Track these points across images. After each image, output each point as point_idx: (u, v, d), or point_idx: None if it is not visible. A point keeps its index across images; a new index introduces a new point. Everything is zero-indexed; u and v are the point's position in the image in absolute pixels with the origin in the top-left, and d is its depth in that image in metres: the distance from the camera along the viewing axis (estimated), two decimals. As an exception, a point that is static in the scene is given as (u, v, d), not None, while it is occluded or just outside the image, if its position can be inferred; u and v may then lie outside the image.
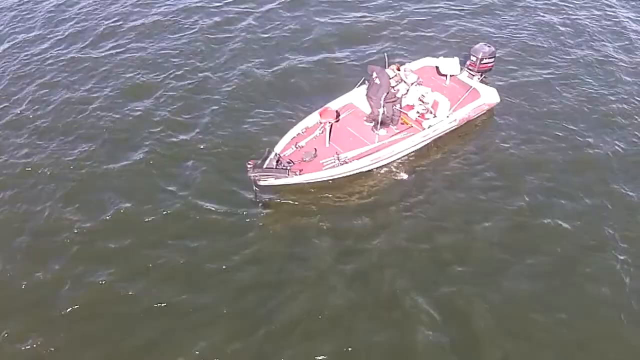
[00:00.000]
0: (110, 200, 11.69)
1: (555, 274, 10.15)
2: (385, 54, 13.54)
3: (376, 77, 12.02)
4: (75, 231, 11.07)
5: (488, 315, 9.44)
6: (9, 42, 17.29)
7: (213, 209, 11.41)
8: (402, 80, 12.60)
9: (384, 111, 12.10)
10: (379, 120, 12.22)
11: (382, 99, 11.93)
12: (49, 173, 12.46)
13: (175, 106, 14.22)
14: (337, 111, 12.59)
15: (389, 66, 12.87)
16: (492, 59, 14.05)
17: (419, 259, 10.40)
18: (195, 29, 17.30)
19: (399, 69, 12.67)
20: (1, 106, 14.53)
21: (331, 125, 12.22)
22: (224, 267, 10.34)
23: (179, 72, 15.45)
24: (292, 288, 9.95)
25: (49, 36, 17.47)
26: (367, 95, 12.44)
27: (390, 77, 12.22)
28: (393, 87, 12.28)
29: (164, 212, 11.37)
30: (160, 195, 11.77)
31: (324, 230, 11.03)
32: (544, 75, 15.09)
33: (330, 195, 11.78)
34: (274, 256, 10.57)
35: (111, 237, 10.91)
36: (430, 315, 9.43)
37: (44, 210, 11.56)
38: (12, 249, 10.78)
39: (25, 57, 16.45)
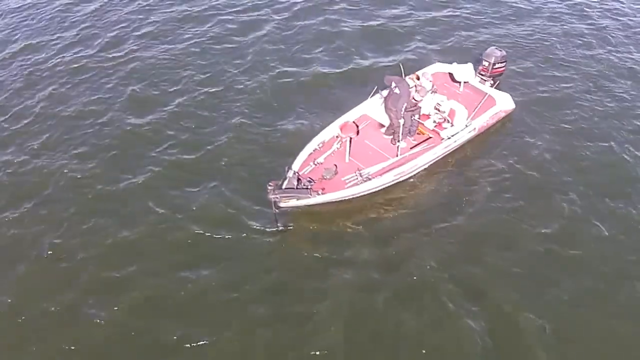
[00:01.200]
0: (112, 223, 10.97)
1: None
2: (401, 64, 13.04)
3: (395, 87, 11.51)
4: (79, 258, 10.37)
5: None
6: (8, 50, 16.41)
7: (227, 232, 10.78)
8: (420, 89, 12.09)
9: (403, 122, 11.60)
10: (400, 132, 11.72)
11: (403, 109, 11.42)
12: (45, 193, 11.70)
13: (187, 119, 13.52)
14: (356, 124, 12.02)
15: (405, 76, 12.36)
16: (504, 63, 13.72)
17: (450, 290, 9.77)
18: (208, 37, 16.60)
19: (418, 78, 12.17)
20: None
21: (350, 140, 11.66)
22: (238, 296, 9.69)
23: (192, 82, 14.74)
24: (316, 322, 9.30)
25: (52, 42, 16.64)
26: (385, 106, 11.92)
27: (410, 86, 11.70)
28: (413, 97, 11.76)
29: (171, 237, 10.72)
30: (166, 218, 11.09)
31: (348, 254, 10.47)
32: (564, 85, 14.70)
33: (352, 213, 11.22)
34: (295, 284, 9.96)
35: (115, 264, 10.23)
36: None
37: (43, 236, 10.78)
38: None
39: (28, 65, 15.67)
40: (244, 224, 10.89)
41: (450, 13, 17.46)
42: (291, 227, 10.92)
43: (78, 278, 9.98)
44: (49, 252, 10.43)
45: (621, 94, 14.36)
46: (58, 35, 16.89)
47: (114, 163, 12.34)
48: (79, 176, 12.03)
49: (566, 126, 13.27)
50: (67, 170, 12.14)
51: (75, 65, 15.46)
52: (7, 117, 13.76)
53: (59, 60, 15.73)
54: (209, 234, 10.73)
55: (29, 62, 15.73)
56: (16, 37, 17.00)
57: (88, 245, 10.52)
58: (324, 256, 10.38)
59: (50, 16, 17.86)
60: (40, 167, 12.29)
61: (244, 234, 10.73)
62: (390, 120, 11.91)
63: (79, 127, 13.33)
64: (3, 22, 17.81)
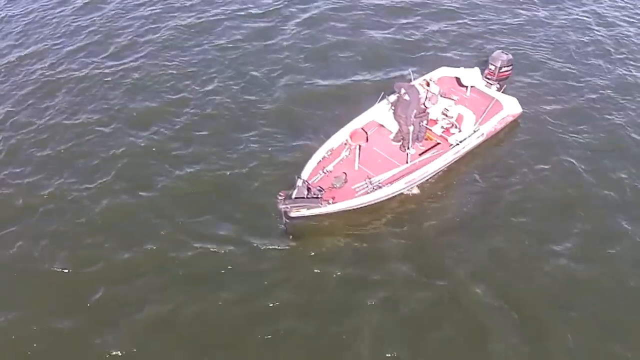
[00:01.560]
0: (116, 241, 10.73)
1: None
2: (411, 70, 12.90)
3: (405, 94, 11.36)
4: (86, 275, 10.16)
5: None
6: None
7: (234, 248, 10.58)
8: (431, 96, 11.96)
9: (413, 129, 11.47)
10: (410, 139, 11.59)
11: (413, 116, 11.29)
12: (48, 208, 11.47)
13: (195, 132, 13.24)
14: (366, 132, 11.86)
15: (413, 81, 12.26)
16: (510, 67, 13.61)
17: (469, 306, 9.63)
18: (216, 46, 16.23)
19: (428, 84, 12.03)
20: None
21: (359, 147, 11.50)
22: (244, 314, 9.47)
23: (201, 93, 14.42)
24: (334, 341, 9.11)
25: (57, 50, 16.31)
26: (395, 113, 11.78)
27: (420, 93, 11.57)
28: (423, 103, 11.64)
29: (177, 254, 10.49)
30: (172, 235, 10.85)
31: (362, 264, 10.35)
32: (573, 93, 14.54)
33: (363, 220, 11.11)
34: (310, 299, 9.78)
35: (119, 283, 10.00)
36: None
37: (43, 255, 10.53)
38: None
39: (32, 73, 15.37)
40: (251, 238, 10.71)
41: (459, 21, 17.28)
42: (300, 240, 10.74)
43: (86, 296, 9.77)
44: (55, 269, 10.24)
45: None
46: (63, 43, 16.61)
47: (119, 179, 12.06)
48: (84, 194, 11.76)
49: (576, 136, 13.12)
50: (71, 186, 11.91)
51: (81, 74, 15.17)
52: (9, 127, 13.53)
53: (64, 68, 15.45)
54: (214, 250, 10.55)
55: (32, 70, 15.47)
56: (19, 43, 16.75)
57: (93, 263, 10.31)
58: (335, 271, 10.20)
59: (55, 23, 17.56)
60: (44, 182, 12.04)
61: (251, 249, 10.55)
62: (400, 126, 11.77)
63: (83, 139, 13.08)
64: (6, 28, 17.55)
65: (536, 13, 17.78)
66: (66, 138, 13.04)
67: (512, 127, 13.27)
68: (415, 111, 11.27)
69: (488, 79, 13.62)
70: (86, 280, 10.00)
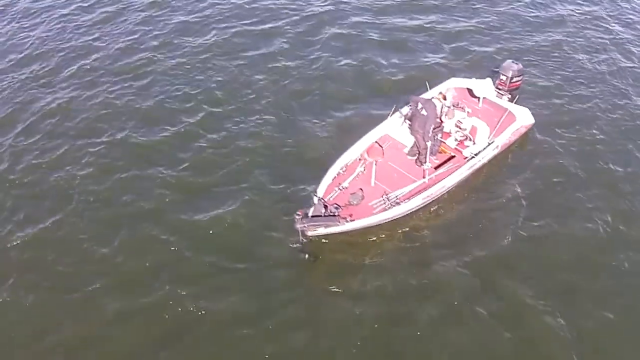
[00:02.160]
0: (122, 250, 10.55)
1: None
2: (427, 82, 12.72)
3: (422, 109, 11.18)
4: (89, 286, 9.92)
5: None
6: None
7: (245, 263, 10.36)
8: (448, 110, 11.80)
9: (431, 144, 11.29)
10: (427, 154, 11.41)
11: (431, 131, 11.12)
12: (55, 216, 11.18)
13: (202, 138, 13.05)
14: (382, 147, 11.65)
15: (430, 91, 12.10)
16: (521, 77, 13.48)
17: (489, 329, 9.41)
18: (223, 49, 16.13)
19: (445, 98, 11.85)
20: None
21: (375, 163, 11.30)
22: (254, 333, 9.25)
23: (208, 99, 14.25)
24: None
25: (62, 50, 16.18)
26: (412, 128, 11.60)
27: (437, 107, 11.40)
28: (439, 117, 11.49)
29: (185, 268, 10.26)
30: (179, 246, 10.63)
31: (381, 280, 10.17)
32: (585, 101, 14.44)
33: (382, 236, 10.95)
34: (318, 319, 9.57)
35: (123, 295, 9.81)
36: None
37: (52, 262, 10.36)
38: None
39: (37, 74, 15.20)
40: (264, 253, 10.50)
41: (467, 27, 17.18)
42: (316, 258, 10.52)
43: (90, 307, 9.59)
44: (60, 279, 10.05)
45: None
46: (68, 43, 16.41)
47: (125, 184, 11.90)
48: (91, 199, 11.60)
49: (587, 146, 13.00)
50: (77, 191, 11.74)
51: (87, 78, 15.00)
52: (14, 130, 13.28)
53: (69, 70, 15.25)
54: (224, 265, 10.32)
55: (38, 72, 15.28)
56: (24, 44, 16.52)
57: (96, 274, 10.10)
58: (348, 288, 10.04)
59: (61, 23, 17.38)
60: (50, 185, 11.86)
61: (263, 265, 10.34)
62: (417, 141, 11.59)
63: (89, 142, 12.90)
64: (12, 27, 17.29)
65: (545, 22, 17.77)
66: (71, 141, 12.97)
67: (525, 138, 13.10)
68: (433, 126, 11.08)
69: (499, 89, 13.47)
70: (88, 289, 9.84)
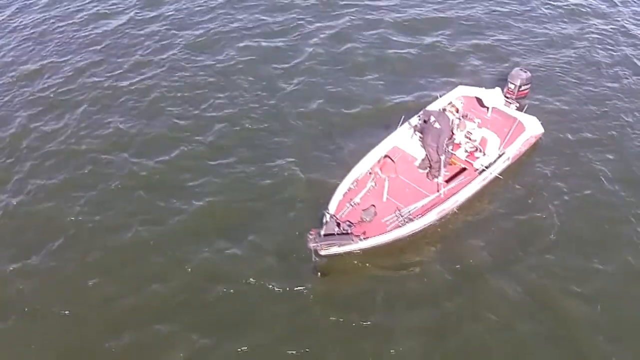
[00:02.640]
0: (124, 282, 10.17)
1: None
2: (439, 95, 12.46)
3: (435, 122, 10.91)
4: (88, 319, 9.61)
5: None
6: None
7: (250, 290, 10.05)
8: (460, 123, 11.57)
9: (445, 158, 11.05)
10: (440, 168, 11.17)
11: (445, 145, 10.88)
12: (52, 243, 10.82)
13: (210, 160, 12.65)
14: (394, 161, 11.37)
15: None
16: (529, 85, 13.27)
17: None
18: (237, 63, 15.64)
19: (457, 111, 11.59)
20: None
21: (388, 179, 11.03)
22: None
23: (215, 118, 13.81)
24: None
25: (66, 65, 15.71)
26: (424, 142, 11.34)
27: (451, 120, 11.16)
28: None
29: (190, 295, 9.95)
30: (183, 273, 10.31)
31: (397, 298, 9.95)
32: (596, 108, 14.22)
33: (392, 252, 10.61)
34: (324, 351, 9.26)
35: (125, 328, 9.45)
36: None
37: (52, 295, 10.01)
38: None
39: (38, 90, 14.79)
40: (269, 281, 10.17)
41: (478, 41, 16.75)
42: (328, 276, 10.29)
43: (90, 341, 9.26)
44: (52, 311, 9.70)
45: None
46: (73, 58, 15.95)
47: (128, 209, 11.51)
48: (90, 225, 11.21)
49: (597, 165, 12.64)
50: (77, 217, 11.36)
51: (93, 93, 14.59)
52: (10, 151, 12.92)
53: (72, 86, 14.83)
54: (231, 291, 10.03)
55: (40, 87, 14.88)
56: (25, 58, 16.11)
57: (97, 308, 9.75)
58: (358, 319, 9.65)
59: (65, 36, 16.91)
60: (47, 211, 11.49)
61: (268, 292, 10.03)
62: (429, 155, 11.33)
63: (89, 166, 12.51)
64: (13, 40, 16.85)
65: (551, 29, 17.49)
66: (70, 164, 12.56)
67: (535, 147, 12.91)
68: (447, 139, 10.85)
69: (507, 97, 13.26)
70: (89, 322, 9.52)
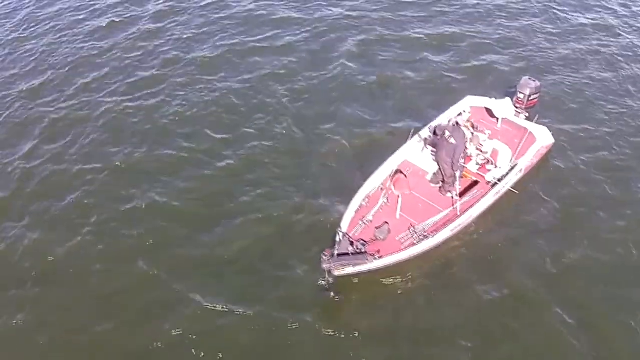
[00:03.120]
0: (119, 326, 9.67)
1: None
2: (464, 110, 12.20)
3: (450, 137, 10.68)
4: None
5: None
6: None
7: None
8: (474, 137, 11.37)
9: (459, 173, 10.83)
10: (455, 183, 10.94)
11: (460, 160, 10.67)
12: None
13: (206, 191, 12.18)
14: (406, 177, 11.11)
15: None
16: (538, 94, 13.04)
17: None
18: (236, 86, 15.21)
19: (473, 126, 11.38)
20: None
21: (401, 195, 10.78)
22: None
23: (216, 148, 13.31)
24: None
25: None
26: (437, 156, 11.10)
27: (467, 136, 10.95)
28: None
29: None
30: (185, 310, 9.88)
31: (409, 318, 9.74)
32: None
33: (406, 271, 10.37)
34: None
35: None
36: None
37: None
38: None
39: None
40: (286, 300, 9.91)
41: (481, 49, 16.60)
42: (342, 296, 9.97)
43: None
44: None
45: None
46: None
47: (127, 247, 11.04)
48: (82, 263, 10.73)
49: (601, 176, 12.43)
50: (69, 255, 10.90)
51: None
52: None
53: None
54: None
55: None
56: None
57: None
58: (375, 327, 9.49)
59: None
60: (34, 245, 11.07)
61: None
62: (443, 170, 11.09)
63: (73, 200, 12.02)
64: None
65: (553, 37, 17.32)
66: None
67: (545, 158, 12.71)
68: (462, 154, 10.62)
69: (516, 107, 13.02)
70: None
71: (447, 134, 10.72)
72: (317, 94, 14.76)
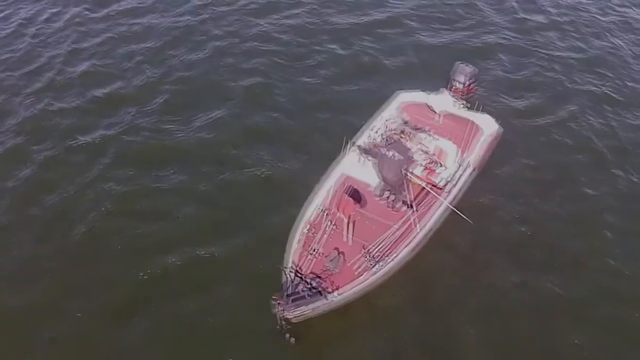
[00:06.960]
0: None
1: None
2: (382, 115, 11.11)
3: (393, 155, 9.71)
4: None
5: None
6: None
7: None
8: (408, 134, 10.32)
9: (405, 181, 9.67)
10: (406, 195, 9.75)
11: (406, 173, 9.78)
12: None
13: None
14: (352, 197, 9.64)
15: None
16: (476, 80, 11.95)
17: None
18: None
19: (406, 123, 10.27)
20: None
21: (349, 218, 9.38)
22: None
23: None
24: None
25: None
26: (384, 178, 10.03)
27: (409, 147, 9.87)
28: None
29: None
30: None
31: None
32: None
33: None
34: None
35: None
36: None
37: None
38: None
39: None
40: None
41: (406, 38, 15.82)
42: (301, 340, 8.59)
43: None
44: None
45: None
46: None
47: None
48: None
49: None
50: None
51: None
52: None
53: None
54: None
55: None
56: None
57: None
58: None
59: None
60: None
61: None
62: (389, 186, 9.90)
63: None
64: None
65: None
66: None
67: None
68: (406, 165, 9.52)
69: (454, 98, 11.85)
70: None
71: (390, 153, 9.64)
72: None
